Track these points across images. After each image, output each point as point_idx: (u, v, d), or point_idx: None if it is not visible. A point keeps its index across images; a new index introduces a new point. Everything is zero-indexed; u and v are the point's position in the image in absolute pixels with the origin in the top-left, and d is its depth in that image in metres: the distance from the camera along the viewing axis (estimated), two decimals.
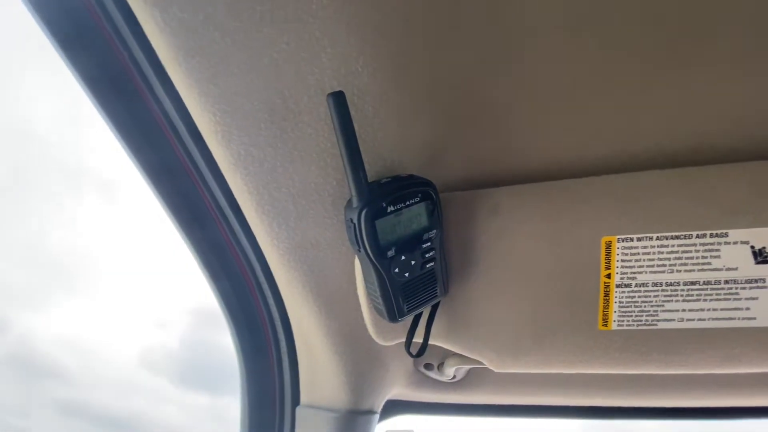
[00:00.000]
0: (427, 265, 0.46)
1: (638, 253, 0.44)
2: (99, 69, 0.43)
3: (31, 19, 0.40)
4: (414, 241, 0.45)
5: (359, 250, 0.43)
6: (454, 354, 0.63)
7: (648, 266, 0.44)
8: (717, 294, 0.43)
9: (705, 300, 0.43)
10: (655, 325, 0.45)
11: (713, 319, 0.44)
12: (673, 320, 0.45)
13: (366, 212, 0.41)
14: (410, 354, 0.53)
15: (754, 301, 0.43)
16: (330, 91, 0.38)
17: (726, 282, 0.43)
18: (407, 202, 0.43)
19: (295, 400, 0.68)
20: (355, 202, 0.42)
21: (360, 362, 0.61)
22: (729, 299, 0.43)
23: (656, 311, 0.45)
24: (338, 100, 0.37)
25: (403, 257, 0.44)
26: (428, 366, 0.69)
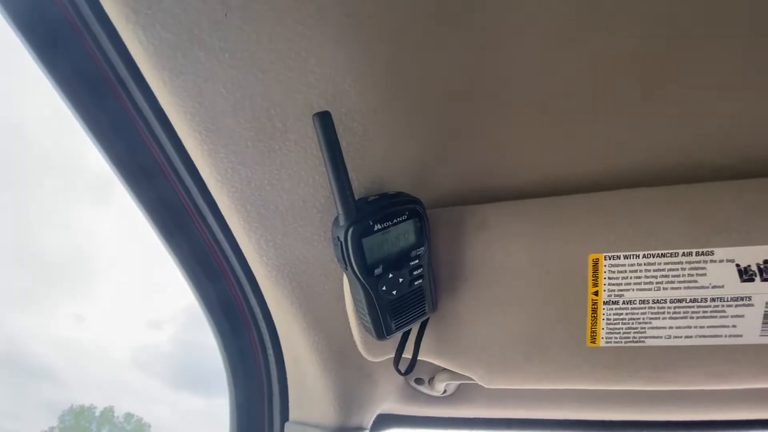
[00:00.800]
0: (415, 283, 0.46)
1: (625, 271, 0.44)
2: (85, 88, 0.43)
3: (16, 36, 0.39)
4: (402, 259, 0.44)
5: (346, 269, 0.43)
6: (445, 369, 0.63)
7: (635, 284, 0.44)
8: (704, 311, 0.43)
9: (692, 317, 0.44)
10: (643, 342, 0.45)
11: (700, 336, 0.44)
12: (661, 337, 0.45)
13: (353, 231, 0.41)
14: (399, 372, 0.52)
15: (740, 318, 0.43)
16: (318, 109, 0.38)
17: (712, 300, 0.43)
18: (394, 220, 0.43)
19: (284, 417, 0.67)
20: (341, 221, 0.41)
21: (349, 378, 0.60)
22: (715, 317, 0.43)
23: (644, 328, 0.45)
24: (324, 120, 0.37)
25: (390, 275, 0.44)
26: (419, 381, 0.69)
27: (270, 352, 0.65)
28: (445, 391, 0.69)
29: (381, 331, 0.46)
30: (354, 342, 0.53)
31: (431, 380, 0.67)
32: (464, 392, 0.71)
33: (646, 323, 0.45)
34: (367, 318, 0.46)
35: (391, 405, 0.72)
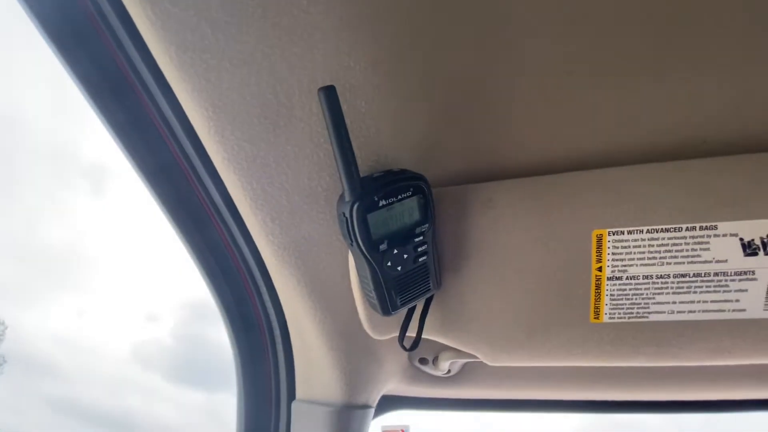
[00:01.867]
0: (420, 259, 0.46)
1: (629, 246, 0.44)
2: (91, 65, 0.43)
3: (23, 13, 0.40)
4: (406, 235, 0.45)
5: (351, 244, 0.44)
6: (449, 348, 0.63)
7: (639, 259, 0.44)
8: (707, 286, 0.43)
9: (695, 292, 0.44)
10: (646, 317, 0.46)
11: (703, 311, 0.44)
12: (664, 312, 0.45)
13: (358, 206, 0.41)
14: (404, 347, 0.53)
15: (744, 293, 0.43)
16: (322, 85, 0.39)
17: (716, 274, 0.43)
18: (399, 196, 0.43)
19: (291, 395, 0.68)
20: (347, 197, 0.42)
21: (355, 357, 0.61)
22: (719, 291, 0.43)
23: (647, 303, 0.45)
24: (329, 94, 0.38)
25: (395, 251, 0.45)
26: (423, 360, 0.69)
27: (276, 331, 0.66)
28: (449, 371, 0.70)
29: (386, 307, 0.47)
30: (359, 321, 0.54)
31: (435, 359, 0.68)
32: (468, 372, 0.72)
33: (649, 298, 0.45)
34: (373, 294, 0.46)
35: (395, 386, 0.73)
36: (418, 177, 0.45)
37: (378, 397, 0.68)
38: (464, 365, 0.72)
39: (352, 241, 0.43)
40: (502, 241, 0.48)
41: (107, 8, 0.40)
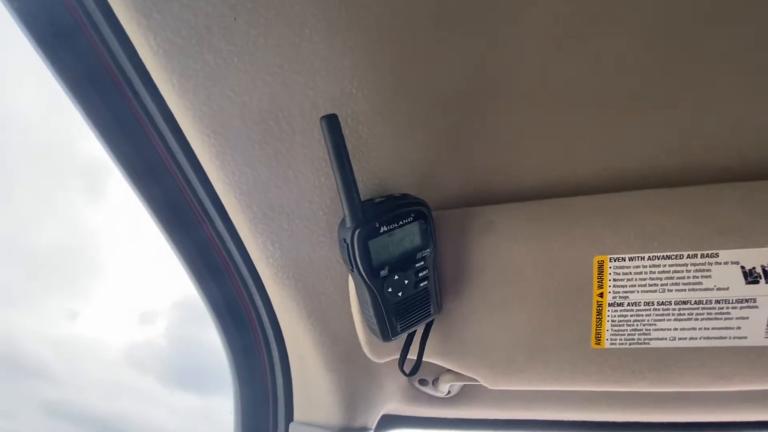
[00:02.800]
0: (421, 284, 0.46)
1: (630, 273, 0.44)
2: (95, 92, 0.43)
3: (26, 41, 0.40)
4: (407, 261, 0.45)
5: (352, 270, 0.43)
6: (449, 370, 0.63)
7: (640, 285, 0.44)
8: (708, 313, 0.43)
9: (696, 319, 0.44)
10: (648, 343, 0.45)
11: (705, 338, 0.44)
12: (665, 339, 0.45)
13: (359, 233, 0.41)
14: (404, 373, 0.53)
15: (745, 320, 0.43)
16: (324, 112, 0.39)
17: (717, 302, 0.43)
18: (400, 222, 0.43)
19: (289, 417, 0.67)
20: (348, 222, 0.42)
21: (354, 379, 0.61)
22: (720, 318, 0.43)
23: (648, 330, 0.45)
24: (331, 123, 0.38)
25: (396, 276, 0.44)
26: (423, 382, 0.69)
27: (275, 352, 0.65)
28: (449, 392, 0.70)
29: (386, 333, 0.47)
30: (359, 343, 0.53)
31: (435, 381, 0.67)
32: (468, 393, 0.72)
33: (651, 325, 0.45)
34: (373, 319, 0.46)
35: (395, 405, 0.72)
36: (420, 202, 0.45)
37: (377, 419, 0.67)
38: (464, 386, 0.71)
39: (352, 267, 0.43)
40: (503, 264, 0.47)
41: (110, 37, 0.40)
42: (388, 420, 0.79)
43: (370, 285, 0.44)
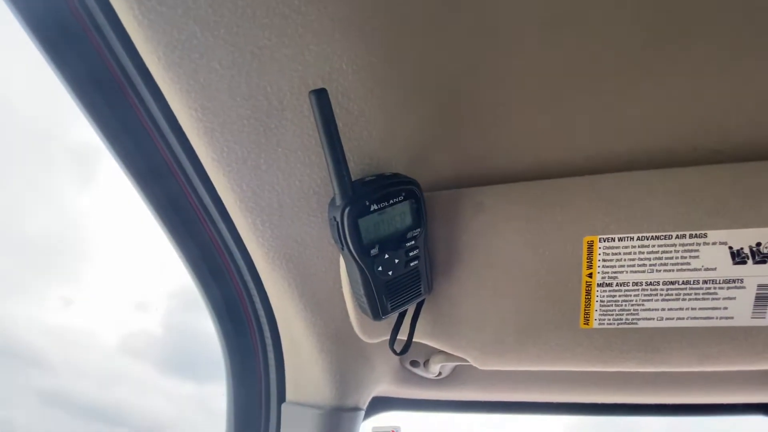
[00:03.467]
0: (411, 264, 0.46)
1: (619, 253, 0.44)
2: (79, 64, 0.42)
3: (8, 11, 0.39)
4: (398, 240, 0.45)
5: (342, 249, 0.43)
6: (440, 351, 0.63)
7: (629, 266, 0.45)
8: (696, 294, 0.44)
9: (684, 299, 0.44)
10: (636, 323, 0.46)
11: (692, 318, 0.44)
12: (653, 319, 0.45)
13: (349, 211, 0.41)
14: (394, 352, 0.53)
15: (732, 301, 0.43)
16: (313, 88, 0.38)
17: (704, 282, 0.43)
18: (391, 201, 0.43)
19: (281, 397, 0.68)
20: (338, 201, 0.41)
21: (345, 359, 0.61)
22: (707, 299, 0.44)
23: (636, 310, 0.45)
24: (320, 97, 0.37)
25: (386, 255, 0.44)
26: (414, 363, 0.69)
27: (267, 333, 0.65)
28: (439, 374, 0.70)
29: (377, 311, 0.47)
30: (350, 324, 0.53)
31: (426, 362, 0.68)
32: (459, 374, 0.72)
33: (639, 305, 0.45)
34: (364, 298, 0.46)
35: (386, 387, 0.73)
36: (411, 182, 0.44)
37: (368, 399, 0.68)
38: (455, 367, 0.72)
39: (343, 246, 0.43)
40: (493, 245, 0.47)
41: (94, 7, 0.39)
42: (380, 401, 0.79)
43: (360, 263, 0.44)
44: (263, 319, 0.64)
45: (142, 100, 0.45)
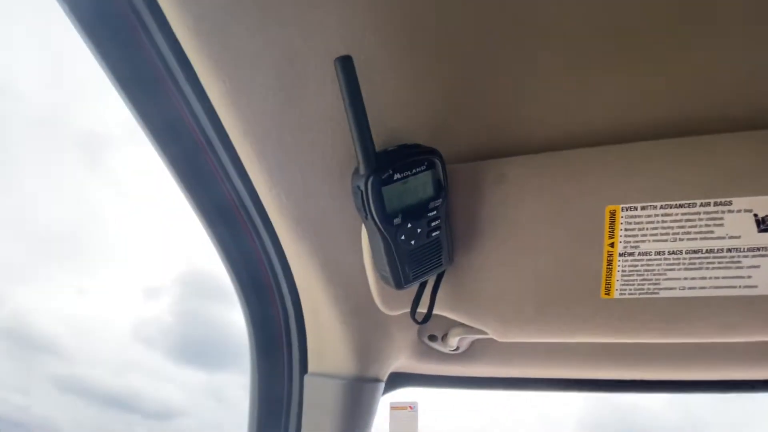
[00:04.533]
0: (433, 234, 0.47)
1: (642, 222, 0.44)
2: (109, 37, 0.43)
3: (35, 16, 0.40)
4: (420, 210, 0.45)
5: (366, 218, 0.44)
6: (458, 324, 0.64)
7: (651, 235, 0.45)
8: (719, 262, 0.43)
9: (707, 268, 0.44)
10: (657, 293, 0.46)
11: (715, 287, 0.44)
12: (675, 289, 0.45)
13: (373, 179, 0.42)
14: (415, 321, 0.54)
15: (756, 269, 0.43)
16: (337, 56, 0.39)
17: (728, 250, 0.43)
18: (414, 170, 0.44)
19: (303, 369, 0.70)
20: (362, 170, 0.42)
21: (366, 331, 0.62)
22: (731, 267, 0.43)
23: (658, 280, 0.45)
24: (346, 64, 0.38)
25: (409, 225, 0.45)
26: (432, 337, 0.70)
27: (289, 306, 0.67)
28: (457, 348, 0.71)
29: (399, 280, 0.48)
30: (371, 296, 0.54)
31: (444, 336, 0.69)
32: (477, 349, 0.73)
33: (661, 275, 0.45)
34: (386, 268, 0.47)
35: (404, 362, 0.74)
36: (432, 151, 0.45)
37: (388, 372, 0.69)
38: (473, 343, 0.72)
39: (366, 215, 0.44)
40: (514, 216, 0.48)
41: None
42: (398, 377, 0.81)
43: (384, 232, 0.44)
44: (285, 292, 0.66)
45: (171, 74, 0.46)
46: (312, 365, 0.69)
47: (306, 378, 0.69)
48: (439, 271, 0.50)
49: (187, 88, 0.47)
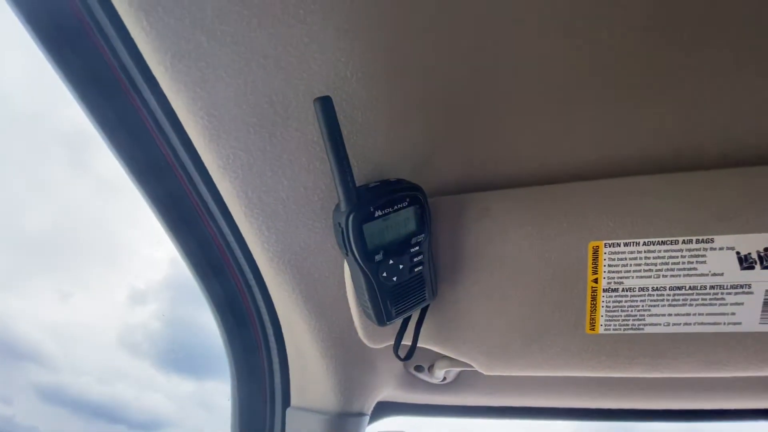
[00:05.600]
0: (416, 269, 0.46)
1: (625, 258, 0.44)
2: (86, 72, 0.43)
3: (16, 19, 0.39)
4: (402, 245, 0.45)
5: (347, 254, 0.43)
6: (444, 356, 0.63)
7: (635, 271, 0.44)
8: (703, 299, 0.43)
9: (691, 305, 0.44)
10: (642, 329, 0.46)
11: (699, 323, 0.44)
12: (660, 325, 0.45)
13: (353, 216, 0.41)
14: (399, 357, 0.53)
15: (740, 306, 0.43)
16: (319, 96, 0.38)
17: (712, 287, 0.43)
18: (395, 207, 0.43)
19: (286, 402, 0.68)
20: (342, 207, 0.42)
21: (350, 365, 0.61)
22: (715, 304, 0.43)
23: (643, 316, 0.45)
24: (325, 105, 0.37)
25: (391, 261, 0.44)
26: (419, 368, 0.69)
27: (272, 338, 0.65)
28: (444, 379, 0.70)
29: (381, 317, 0.47)
30: (355, 329, 0.53)
31: (431, 367, 0.67)
32: (463, 380, 0.72)
33: (645, 310, 0.45)
34: (368, 304, 0.46)
35: (390, 392, 0.72)
36: (415, 187, 0.45)
37: (373, 405, 0.68)
38: (460, 373, 0.71)
39: (347, 252, 0.43)
40: (498, 250, 0.47)
41: (102, 17, 0.40)
42: (384, 407, 0.79)
43: (365, 269, 0.44)
44: (268, 324, 0.65)
45: (148, 107, 0.46)
46: (294, 398, 0.67)
47: (288, 411, 0.67)
48: (423, 305, 0.50)
49: (165, 124, 0.46)
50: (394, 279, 0.45)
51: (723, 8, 0.37)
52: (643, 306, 0.45)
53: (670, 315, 0.45)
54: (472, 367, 0.54)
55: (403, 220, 0.44)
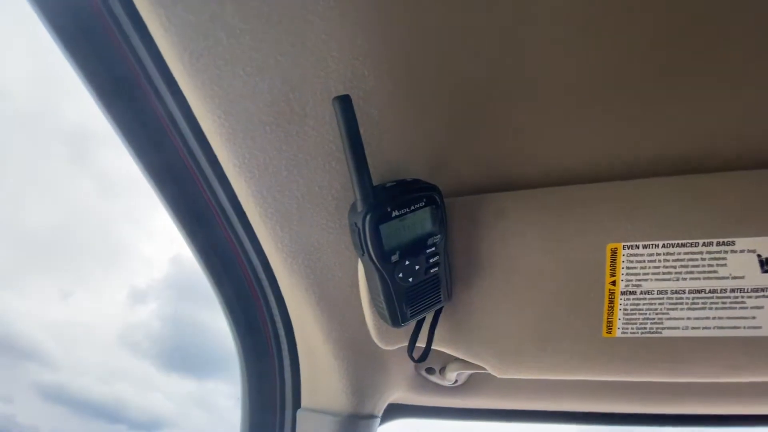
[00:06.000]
0: (431, 270, 0.46)
1: (644, 261, 0.44)
2: (103, 69, 0.43)
3: (35, 17, 0.39)
4: (418, 246, 0.44)
5: (363, 255, 0.43)
6: (456, 359, 0.63)
7: (653, 274, 0.44)
8: (722, 303, 0.43)
9: (710, 308, 0.43)
10: (660, 333, 0.45)
11: (718, 327, 0.43)
12: (678, 328, 0.44)
13: (370, 217, 0.41)
14: (413, 359, 0.52)
15: (760, 310, 0.42)
16: (336, 94, 0.38)
17: (732, 291, 0.42)
18: (412, 207, 0.43)
19: (296, 403, 0.68)
20: (359, 207, 0.41)
21: (361, 366, 0.61)
22: (735, 308, 0.43)
23: (661, 319, 0.44)
24: (344, 104, 0.37)
25: (407, 262, 0.44)
26: (430, 370, 0.69)
27: (283, 339, 0.65)
28: (456, 381, 0.69)
29: (396, 319, 0.46)
30: (367, 330, 0.53)
31: (442, 370, 0.67)
32: (475, 382, 0.72)
33: (663, 314, 0.44)
34: (383, 305, 0.46)
35: (401, 394, 0.72)
36: (432, 188, 0.44)
37: (384, 406, 0.67)
38: (471, 375, 0.71)
39: (363, 252, 0.43)
40: (514, 252, 0.47)
41: (119, 12, 0.40)
42: (395, 408, 0.79)
43: (381, 270, 0.43)
44: (279, 325, 0.64)
45: (165, 106, 0.46)
46: (305, 400, 0.67)
47: (299, 413, 0.67)
48: (438, 307, 0.49)
49: (181, 120, 0.46)
50: (410, 280, 0.45)
51: (736, 10, 0.36)
52: (661, 309, 0.44)
53: (689, 318, 0.44)
54: (484, 369, 0.53)
55: (420, 220, 0.44)
